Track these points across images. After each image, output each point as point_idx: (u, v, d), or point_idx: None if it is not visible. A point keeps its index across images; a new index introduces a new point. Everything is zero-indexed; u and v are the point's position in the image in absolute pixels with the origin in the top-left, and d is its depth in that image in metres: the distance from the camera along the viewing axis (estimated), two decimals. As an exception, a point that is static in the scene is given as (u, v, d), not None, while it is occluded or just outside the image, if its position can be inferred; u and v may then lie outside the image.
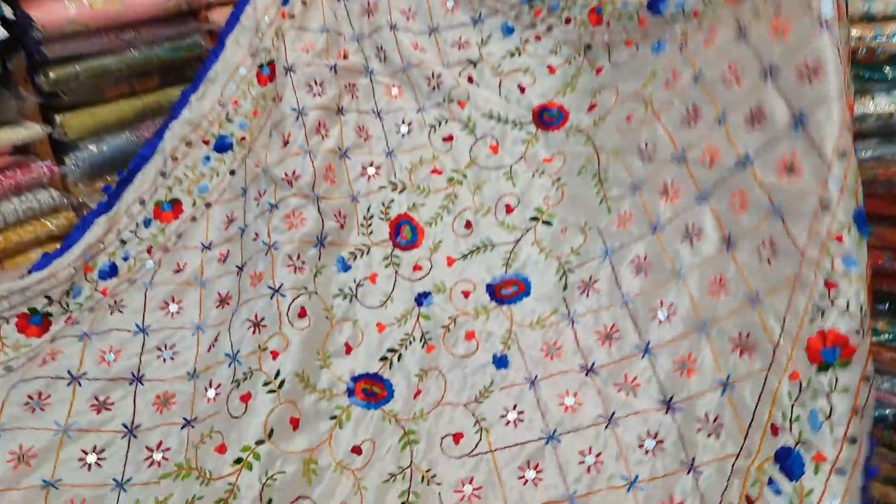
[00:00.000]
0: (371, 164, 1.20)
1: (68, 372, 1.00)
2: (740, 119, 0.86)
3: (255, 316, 1.04)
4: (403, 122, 1.24)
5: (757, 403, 0.79)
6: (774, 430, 0.77)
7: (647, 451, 0.87)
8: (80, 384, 0.99)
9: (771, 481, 0.75)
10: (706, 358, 0.87)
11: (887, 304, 1.19)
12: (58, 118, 1.23)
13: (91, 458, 0.93)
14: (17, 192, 1.16)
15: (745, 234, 0.86)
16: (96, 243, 1.15)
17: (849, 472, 0.71)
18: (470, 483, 0.92)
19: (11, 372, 1.01)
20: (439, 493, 0.91)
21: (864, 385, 0.73)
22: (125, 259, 1.17)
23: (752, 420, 0.80)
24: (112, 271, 1.15)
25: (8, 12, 1.07)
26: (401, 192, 1.20)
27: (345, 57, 1.24)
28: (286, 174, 1.13)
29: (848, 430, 0.72)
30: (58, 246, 1.20)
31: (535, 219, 1.14)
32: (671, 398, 0.88)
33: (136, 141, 1.33)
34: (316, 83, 1.20)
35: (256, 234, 1.12)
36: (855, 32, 1.04)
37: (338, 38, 1.25)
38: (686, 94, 0.97)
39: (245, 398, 0.96)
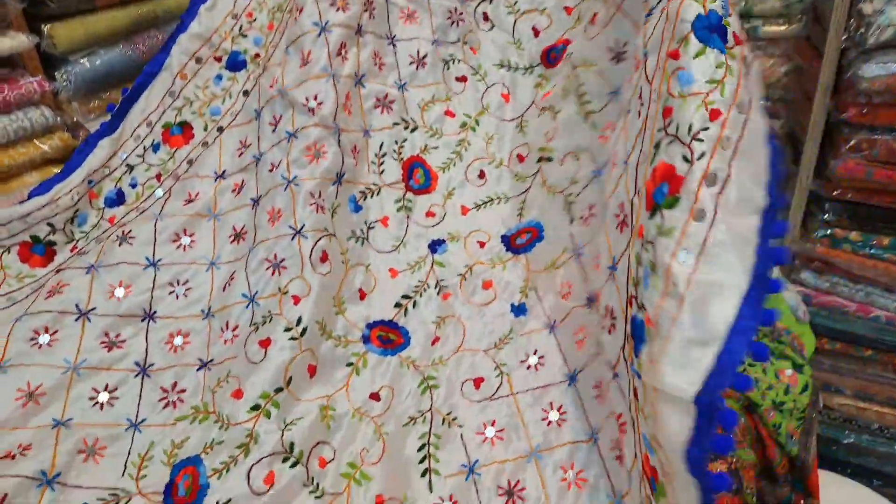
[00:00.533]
0: (385, 97, 1.11)
1: (76, 306, 0.94)
2: None
3: (275, 256, 0.96)
4: (418, 54, 1.13)
5: (627, 278, 0.69)
6: (630, 302, 0.66)
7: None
8: (88, 320, 0.93)
9: (631, 365, 0.64)
10: (603, 245, 0.80)
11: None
12: (45, 28, 1.12)
13: (103, 397, 0.88)
14: (6, 109, 1.07)
15: (632, 93, 0.77)
16: (101, 167, 1.07)
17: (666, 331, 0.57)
18: (492, 425, 0.88)
19: (15, 304, 0.95)
20: (461, 434, 0.88)
21: (691, 223, 0.57)
22: (132, 186, 1.09)
23: (627, 299, 0.68)
24: (119, 199, 1.08)
25: None
26: (412, 130, 1.11)
27: None
28: (307, 99, 1.02)
29: (668, 281, 0.57)
30: (55, 170, 1.12)
31: (540, 159, 1.07)
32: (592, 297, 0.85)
33: (131, 54, 1.22)
34: None
35: (273, 165, 1.03)
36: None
37: None
38: None
39: (264, 343, 0.89)
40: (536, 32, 1.13)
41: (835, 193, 1.24)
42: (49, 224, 1.01)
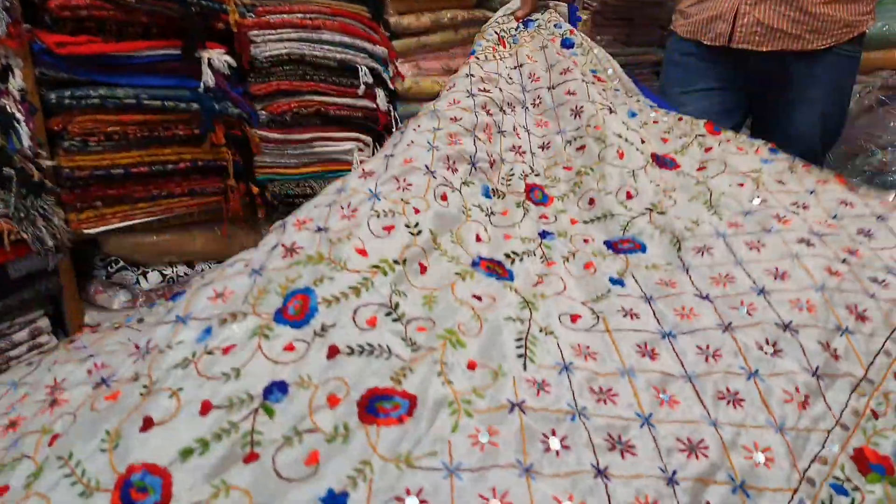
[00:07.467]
0: (519, 147, 1.33)
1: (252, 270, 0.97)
2: None
3: (404, 180, 1.08)
4: (543, 142, 1.39)
5: (875, 357, 0.89)
6: None
7: (766, 353, 0.91)
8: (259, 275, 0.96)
9: None
10: (820, 306, 0.95)
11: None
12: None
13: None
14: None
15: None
16: None
17: None
18: (587, 348, 0.92)
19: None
20: (557, 343, 0.91)
21: None
22: None
23: (874, 361, 0.89)
24: None
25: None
26: (536, 175, 1.31)
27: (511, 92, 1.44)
28: (452, 116, 1.25)
29: None
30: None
31: (649, 209, 1.20)
32: (790, 322, 0.94)
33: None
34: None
35: (422, 144, 1.19)
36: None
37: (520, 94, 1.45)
38: None
39: (388, 228, 1.00)
40: (643, 141, 1.33)
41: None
42: None
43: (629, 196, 1.23)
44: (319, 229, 0.97)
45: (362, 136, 1.78)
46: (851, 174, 1.95)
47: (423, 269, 0.98)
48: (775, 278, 1.00)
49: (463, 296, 0.95)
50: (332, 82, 1.69)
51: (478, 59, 1.52)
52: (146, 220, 1.48)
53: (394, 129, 1.84)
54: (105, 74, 1.36)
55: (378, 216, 1.01)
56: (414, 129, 1.21)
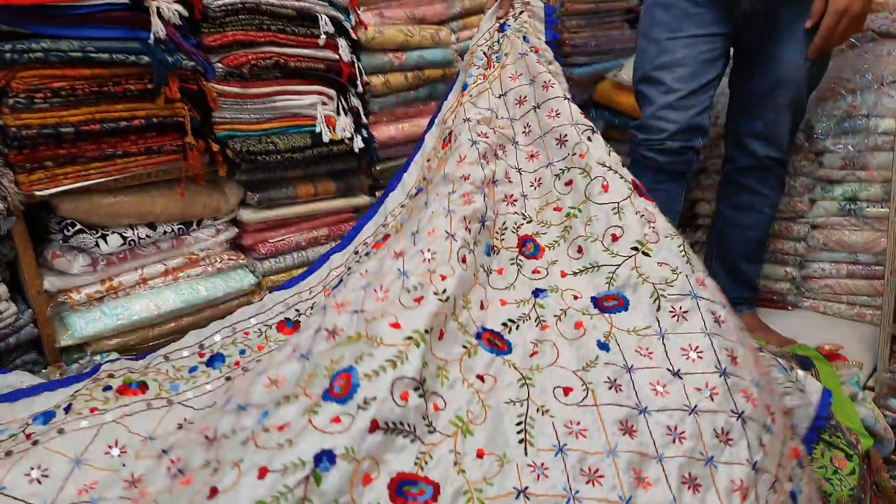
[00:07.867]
0: (511, 196, 1.45)
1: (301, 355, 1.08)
2: None
3: (429, 250, 1.19)
4: (535, 179, 1.47)
5: (780, 459, 1.05)
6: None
7: (720, 441, 1.01)
8: (307, 359, 1.04)
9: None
10: (759, 401, 1.06)
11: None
12: (377, 193, 2.01)
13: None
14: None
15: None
16: (329, 273, 1.59)
17: None
18: (577, 425, 1.05)
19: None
20: (553, 423, 1.05)
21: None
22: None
23: (780, 463, 1.04)
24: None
25: (363, 135, 1.88)
26: (528, 222, 1.42)
27: (501, 127, 1.54)
28: (462, 175, 1.36)
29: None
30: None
31: (635, 248, 1.27)
32: (743, 412, 1.04)
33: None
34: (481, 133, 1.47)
35: (436, 210, 1.29)
36: None
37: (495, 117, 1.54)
38: None
39: (418, 300, 1.10)
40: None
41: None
42: (296, 310, 1.54)
43: (615, 239, 1.30)
44: (355, 311, 1.07)
45: (325, 89, 1.72)
46: (821, 119, 1.94)
47: (441, 335, 1.10)
48: (733, 361, 1.10)
49: (469, 375, 1.08)
50: (291, 32, 1.62)
51: (471, 95, 1.56)
52: (101, 180, 1.43)
53: (358, 82, 1.79)
54: (47, 26, 1.29)
55: (408, 291, 1.11)
56: (434, 199, 1.33)
